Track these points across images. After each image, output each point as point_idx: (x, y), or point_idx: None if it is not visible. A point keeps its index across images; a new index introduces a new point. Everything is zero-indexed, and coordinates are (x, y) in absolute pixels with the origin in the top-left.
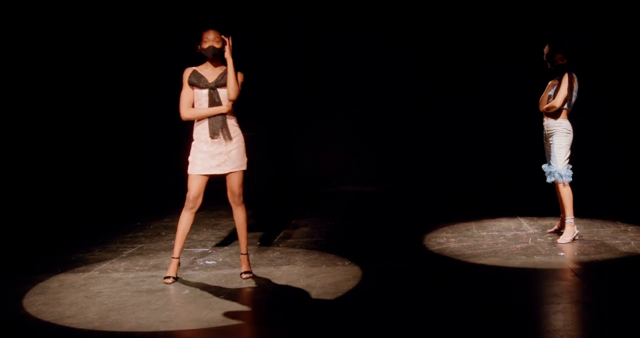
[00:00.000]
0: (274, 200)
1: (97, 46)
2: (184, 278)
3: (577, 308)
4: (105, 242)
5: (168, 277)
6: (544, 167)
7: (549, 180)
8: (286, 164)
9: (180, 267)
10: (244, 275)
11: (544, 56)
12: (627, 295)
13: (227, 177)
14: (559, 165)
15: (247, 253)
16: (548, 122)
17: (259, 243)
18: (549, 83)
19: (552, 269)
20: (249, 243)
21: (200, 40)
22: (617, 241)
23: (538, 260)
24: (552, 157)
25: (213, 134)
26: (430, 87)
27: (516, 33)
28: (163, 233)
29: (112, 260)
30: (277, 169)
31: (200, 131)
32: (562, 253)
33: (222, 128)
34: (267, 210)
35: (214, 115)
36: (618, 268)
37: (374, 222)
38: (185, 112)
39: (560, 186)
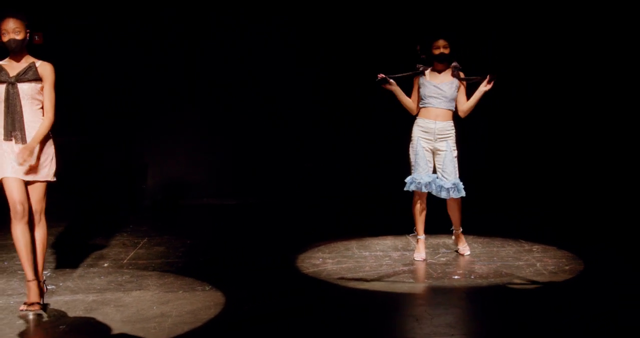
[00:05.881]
0: (122, 214)
1: None
2: (16, 306)
3: None
4: None
5: (33, 304)
6: (439, 181)
7: (452, 195)
8: (138, 172)
9: (13, 293)
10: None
11: (448, 49)
12: (530, 324)
13: (30, 187)
14: (456, 176)
15: (44, 281)
16: (443, 125)
17: (105, 264)
18: (427, 76)
19: (445, 295)
20: (98, 265)
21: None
22: (520, 262)
23: (429, 285)
24: (449, 168)
25: (7, 135)
26: (304, 91)
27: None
28: None
29: None
30: (128, 177)
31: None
32: (456, 277)
33: (20, 129)
34: (114, 226)
35: (12, 114)
36: (520, 293)
37: (239, 241)
38: None
39: (457, 200)
